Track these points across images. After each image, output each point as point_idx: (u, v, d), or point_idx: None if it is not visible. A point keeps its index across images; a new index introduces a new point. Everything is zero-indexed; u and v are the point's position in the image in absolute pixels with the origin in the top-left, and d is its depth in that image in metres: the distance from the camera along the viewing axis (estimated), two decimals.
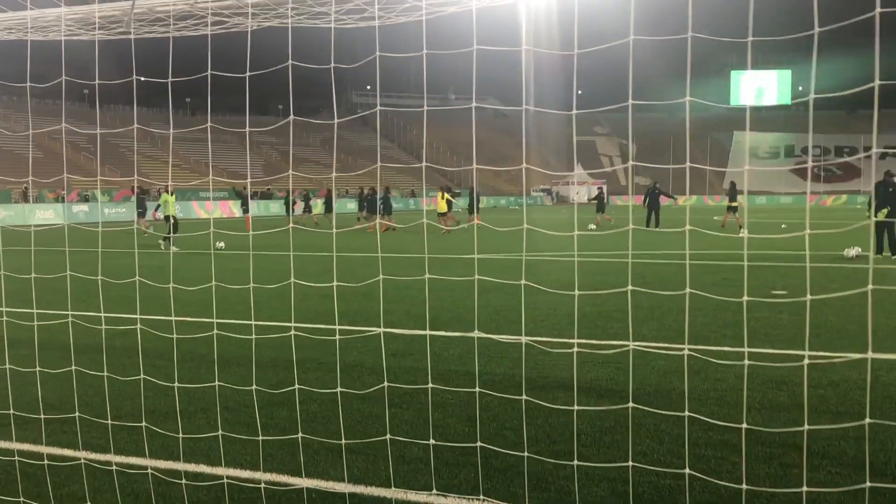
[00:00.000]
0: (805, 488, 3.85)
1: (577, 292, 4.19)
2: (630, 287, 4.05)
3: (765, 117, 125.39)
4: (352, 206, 58.62)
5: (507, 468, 5.63)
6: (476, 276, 4.37)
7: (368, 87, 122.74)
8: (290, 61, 3.51)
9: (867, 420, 3.56)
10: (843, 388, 7.66)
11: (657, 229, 35.34)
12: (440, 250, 24.82)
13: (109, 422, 5.64)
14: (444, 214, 36.37)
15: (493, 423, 6.74)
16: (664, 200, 39.60)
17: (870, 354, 3.47)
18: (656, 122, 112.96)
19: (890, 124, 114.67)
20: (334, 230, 5.11)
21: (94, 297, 9.71)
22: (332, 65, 3.59)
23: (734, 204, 35.80)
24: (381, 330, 5.63)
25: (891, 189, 21.17)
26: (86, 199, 56.63)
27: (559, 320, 11.43)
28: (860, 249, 20.26)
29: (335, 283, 4.75)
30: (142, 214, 38.38)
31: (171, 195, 27.22)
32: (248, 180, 5.90)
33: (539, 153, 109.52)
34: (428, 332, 6.04)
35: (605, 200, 43.65)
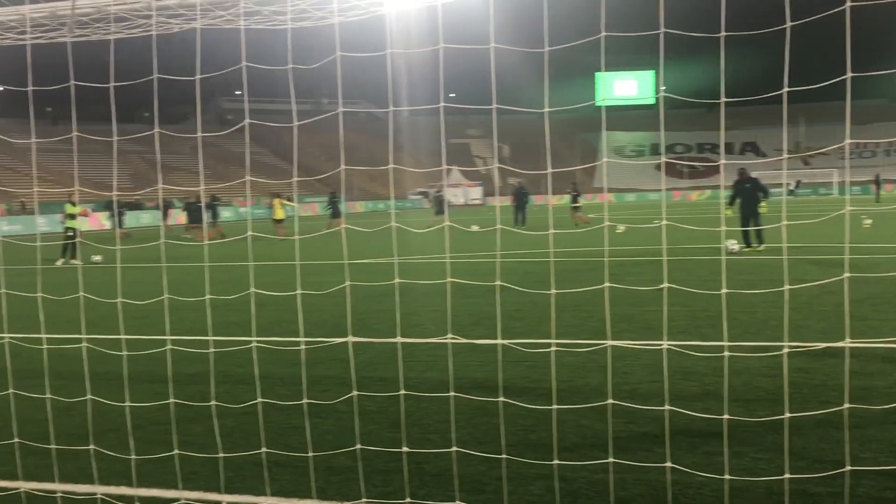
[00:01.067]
0: (777, 479, 3.93)
1: (553, 291, 4.18)
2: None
3: (629, 117, 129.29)
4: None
5: (441, 472, 5.60)
6: (453, 279, 4.29)
7: (237, 93, 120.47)
8: (244, 62, 3.35)
9: (846, 405, 3.68)
10: (746, 376, 7.94)
11: (523, 228, 36.48)
12: (328, 256, 24.56)
13: None
14: (280, 222, 36.48)
15: (416, 428, 6.69)
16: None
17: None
18: (527, 122, 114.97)
19: (741, 123, 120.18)
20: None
21: None
22: (290, 65, 3.47)
23: (577, 204, 40.40)
24: (350, 339, 5.48)
25: (747, 185, 22.14)
26: None
27: (462, 321, 11.46)
28: (736, 242, 21.12)
29: (298, 291, 4.59)
30: None
31: (76, 206, 25.80)
32: (202, 187, 5.51)
33: (412, 156, 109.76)
34: (399, 339, 5.99)
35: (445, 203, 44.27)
